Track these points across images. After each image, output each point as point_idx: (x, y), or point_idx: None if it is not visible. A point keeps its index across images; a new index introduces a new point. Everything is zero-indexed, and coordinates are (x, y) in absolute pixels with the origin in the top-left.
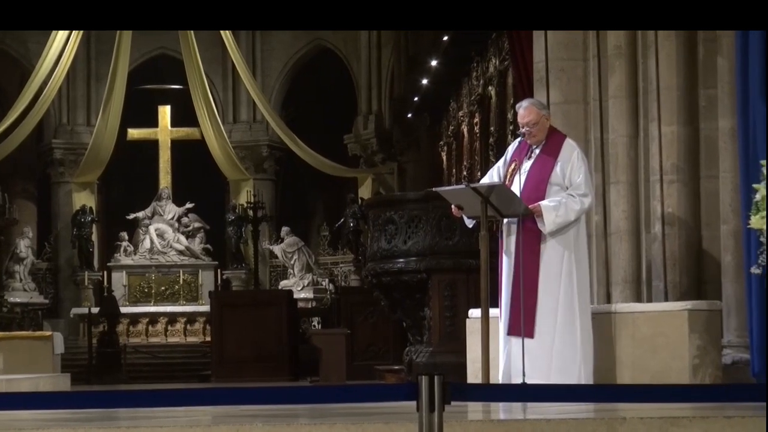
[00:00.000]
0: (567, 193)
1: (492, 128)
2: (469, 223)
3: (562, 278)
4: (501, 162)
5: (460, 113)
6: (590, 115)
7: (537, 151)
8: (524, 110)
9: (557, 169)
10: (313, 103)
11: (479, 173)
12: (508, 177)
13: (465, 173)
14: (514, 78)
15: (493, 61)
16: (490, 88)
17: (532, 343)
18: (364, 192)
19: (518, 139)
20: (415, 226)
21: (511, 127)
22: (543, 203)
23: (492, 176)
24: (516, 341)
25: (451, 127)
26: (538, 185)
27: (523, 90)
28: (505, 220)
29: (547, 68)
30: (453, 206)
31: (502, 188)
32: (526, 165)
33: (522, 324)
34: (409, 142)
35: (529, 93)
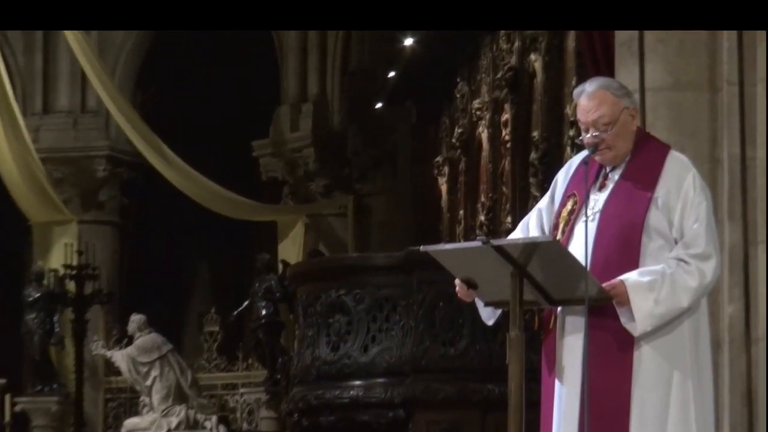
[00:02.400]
0: (672, 257)
1: (535, 133)
2: (488, 316)
3: (669, 419)
4: (546, 200)
5: (476, 103)
6: (721, 113)
7: (616, 176)
8: (589, 99)
9: (657, 207)
10: (193, 80)
11: (510, 220)
12: (562, 227)
13: (483, 218)
14: (581, 43)
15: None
16: (533, 57)
17: None
18: (290, 250)
19: (579, 157)
20: (385, 318)
21: (570, 132)
22: (629, 278)
23: (530, 227)
24: None
25: (458, 130)
26: (621, 241)
27: (596, 64)
28: (558, 311)
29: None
30: (458, 282)
31: (550, 248)
32: (597, 202)
33: None
34: (378, 156)
35: (607, 71)
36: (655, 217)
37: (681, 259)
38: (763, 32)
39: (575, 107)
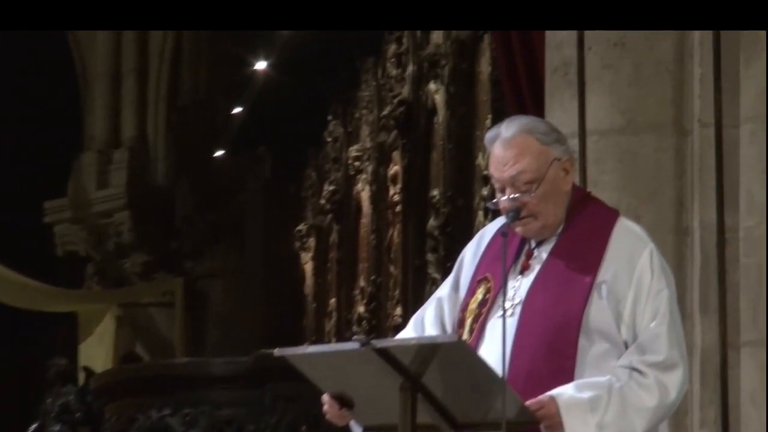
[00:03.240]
0: (623, 366)
1: (435, 192)
2: None
3: None
4: (448, 285)
5: (353, 151)
6: (691, 164)
7: (543, 254)
8: (506, 147)
9: (601, 297)
10: None
11: (399, 312)
12: (470, 324)
13: (362, 310)
14: (499, 68)
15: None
16: (432, 86)
17: None
18: (95, 352)
19: (494, 225)
20: None
21: (484, 191)
22: (563, 394)
23: (426, 323)
24: None
25: (329, 188)
26: (550, 344)
27: (519, 97)
28: None
29: (581, 49)
30: (327, 398)
31: (454, 352)
32: (517, 291)
33: None
34: (218, 223)
35: (534, 107)
36: (597, 312)
37: (635, 369)
38: (746, 48)
39: (489, 158)
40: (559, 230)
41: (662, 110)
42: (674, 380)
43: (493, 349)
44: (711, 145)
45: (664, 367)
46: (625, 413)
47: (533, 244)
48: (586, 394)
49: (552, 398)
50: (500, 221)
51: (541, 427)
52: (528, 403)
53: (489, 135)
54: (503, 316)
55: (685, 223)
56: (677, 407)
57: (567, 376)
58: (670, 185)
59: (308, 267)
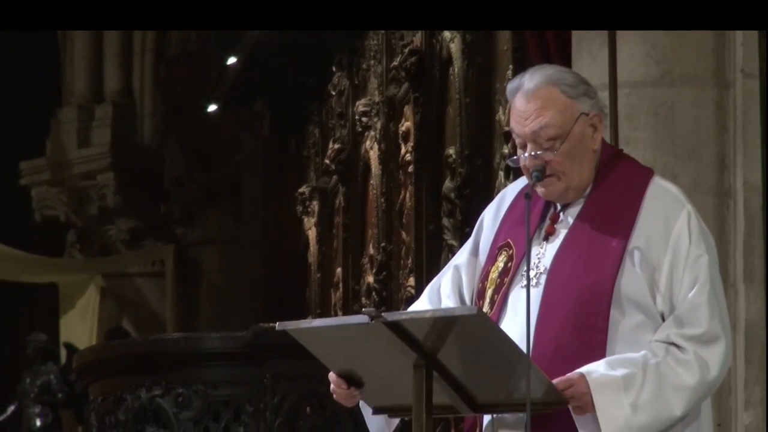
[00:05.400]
0: (659, 340)
1: (451, 151)
2: (379, 429)
3: None
4: (466, 252)
5: (361, 105)
6: (734, 119)
7: (570, 218)
8: (528, 100)
9: (633, 264)
10: None
11: (412, 282)
12: (490, 295)
13: (372, 280)
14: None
15: None
16: (447, 34)
17: None
18: (77, 327)
19: (516, 186)
20: (223, 431)
21: (505, 149)
22: (594, 372)
23: (442, 293)
24: None
25: (335, 146)
26: (578, 317)
27: (544, 47)
28: (485, 421)
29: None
30: (334, 377)
31: (474, 326)
32: (542, 258)
33: None
34: (212, 186)
35: (560, 57)
36: (629, 281)
37: (672, 343)
38: None
39: (510, 111)
40: (587, 192)
41: (701, 59)
42: (716, 355)
43: (516, 323)
44: (755, 99)
45: (705, 340)
46: (662, 392)
47: (558, 208)
48: (620, 372)
49: (582, 376)
50: (522, 181)
51: (570, 407)
52: (556, 381)
53: (511, 86)
54: (527, 286)
55: (727, 184)
56: (719, 386)
57: (598, 353)
58: (711, 142)
59: (311, 233)
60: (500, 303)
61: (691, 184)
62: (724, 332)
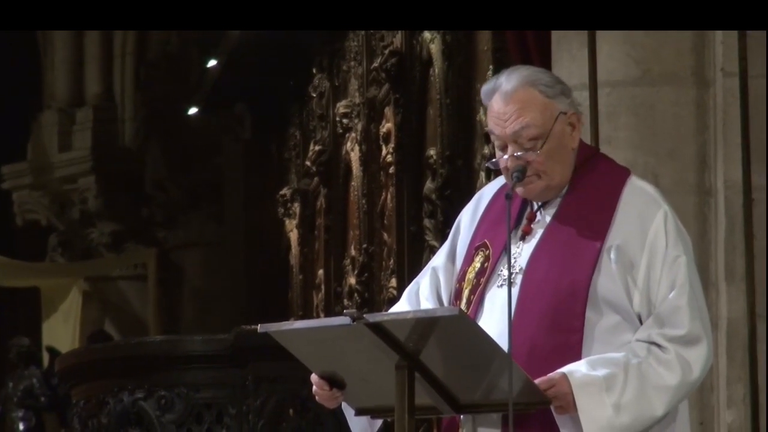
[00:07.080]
0: (641, 340)
1: (432, 152)
2: (357, 427)
3: None
4: (444, 254)
5: (341, 107)
6: (713, 118)
7: (547, 217)
8: (507, 101)
9: (610, 263)
10: None
11: (394, 283)
12: (467, 295)
13: (354, 282)
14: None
15: None
16: (427, 35)
17: None
18: (60, 331)
19: (493, 186)
20: (207, 430)
21: (486, 149)
22: (576, 372)
23: (421, 295)
24: None
25: (315, 148)
26: (554, 317)
27: (524, 47)
28: (464, 421)
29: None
30: (316, 379)
31: (455, 326)
32: (518, 258)
33: None
34: (193, 189)
35: (540, 58)
36: (606, 281)
37: (654, 343)
38: None
39: (488, 113)
40: (564, 191)
41: (681, 59)
42: (697, 356)
43: (492, 323)
44: (735, 97)
45: (686, 341)
46: (644, 392)
47: (535, 207)
48: (601, 372)
49: (564, 376)
50: (499, 182)
51: (552, 407)
52: (538, 381)
53: (485, 88)
54: (507, 285)
55: (707, 183)
56: (701, 384)
57: (573, 353)
58: (691, 141)
59: (293, 235)
60: (476, 303)
61: (671, 184)
62: (705, 333)
